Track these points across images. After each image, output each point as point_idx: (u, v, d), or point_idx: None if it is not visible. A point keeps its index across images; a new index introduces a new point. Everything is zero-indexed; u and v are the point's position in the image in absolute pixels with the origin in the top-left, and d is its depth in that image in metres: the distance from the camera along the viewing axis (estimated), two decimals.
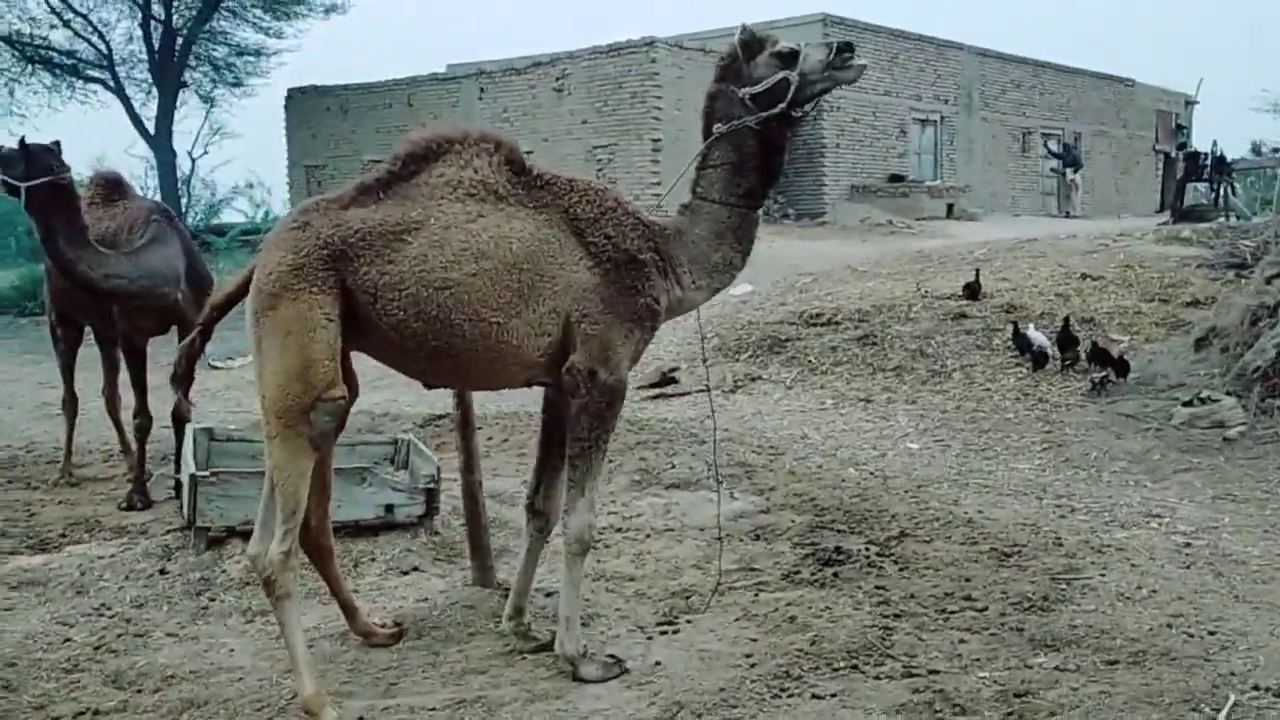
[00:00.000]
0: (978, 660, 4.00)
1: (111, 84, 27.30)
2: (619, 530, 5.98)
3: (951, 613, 4.49)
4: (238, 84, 28.95)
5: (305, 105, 26.89)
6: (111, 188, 7.29)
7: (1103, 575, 4.95)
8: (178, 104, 26.85)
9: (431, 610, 4.70)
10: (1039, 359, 9.74)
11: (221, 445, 6.35)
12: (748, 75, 4.01)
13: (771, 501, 6.46)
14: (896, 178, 25.41)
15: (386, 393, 11.19)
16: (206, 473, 5.56)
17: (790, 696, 3.75)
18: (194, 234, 25.66)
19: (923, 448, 8.00)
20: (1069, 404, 8.98)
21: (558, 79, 21.21)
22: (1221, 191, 21.26)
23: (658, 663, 4.11)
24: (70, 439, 7.69)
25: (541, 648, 4.25)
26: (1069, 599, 4.63)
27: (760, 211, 4.16)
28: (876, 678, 3.88)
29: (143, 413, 6.80)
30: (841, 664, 3.99)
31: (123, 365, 7.53)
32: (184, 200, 28.22)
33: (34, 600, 5.04)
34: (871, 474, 7.17)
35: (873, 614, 4.48)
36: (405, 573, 5.37)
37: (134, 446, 7.10)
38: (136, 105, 27.05)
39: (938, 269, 14.54)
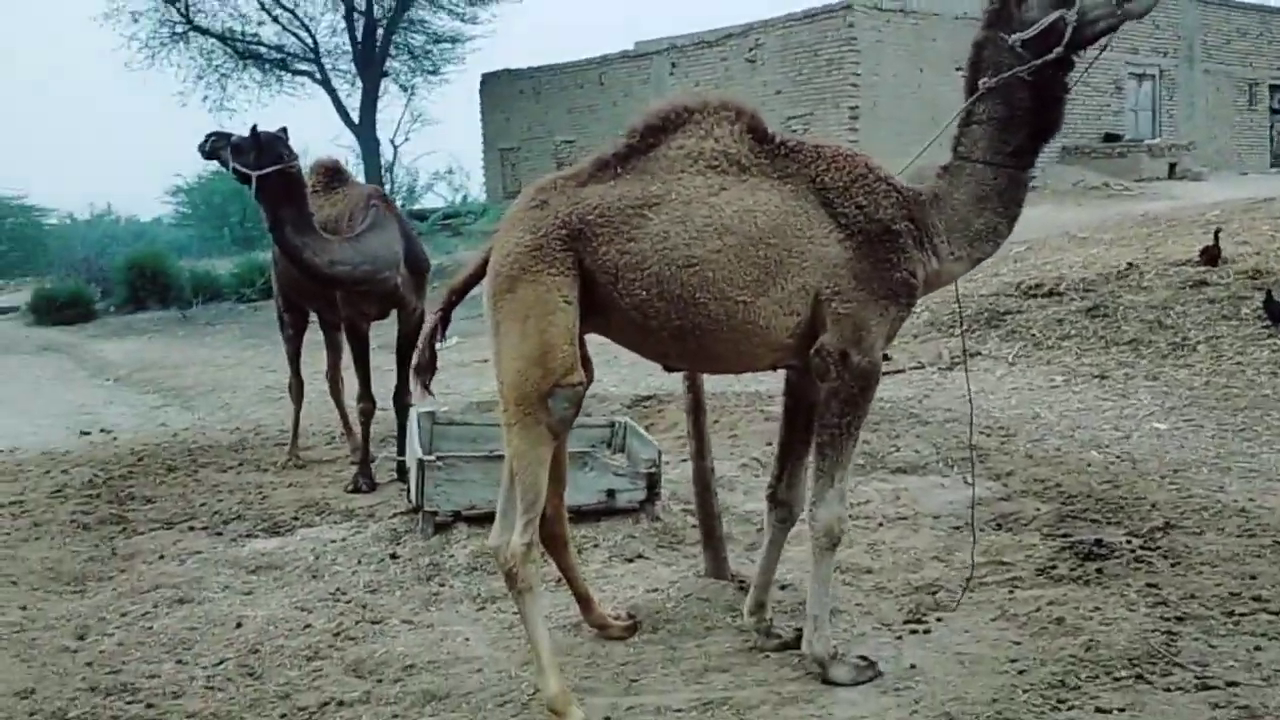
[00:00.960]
0: None
1: (318, 76, 28.44)
2: (849, 518, 5.67)
3: (1242, 615, 4.02)
4: (435, 71, 29.73)
5: (498, 89, 27.34)
6: (331, 175, 7.41)
7: None
8: (380, 93, 27.76)
9: (665, 602, 4.53)
10: None
11: (443, 429, 6.37)
12: (1018, 18, 3.60)
13: (1010, 488, 6.05)
14: (1112, 137, 23.96)
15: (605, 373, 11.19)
16: (432, 457, 5.55)
17: (1071, 709, 3.40)
18: None
19: (1171, 428, 7.37)
20: None
21: (750, 49, 20.83)
22: None
23: (912, 666, 3.82)
24: (297, 423, 7.90)
25: (784, 646, 4.02)
26: None
27: (1031, 172, 3.77)
28: (1167, 689, 3.49)
29: (366, 396, 6.89)
30: (1124, 673, 3.60)
31: (345, 350, 7.73)
32: (387, 187, 29.16)
33: (272, 584, 5.13)
34: (1118, 457, 6.63)
35: (1150, 616, 4.06)
36: (630, 560, 5.24)
37: (357, 430, 7.23)
38: (342, 96, 28.11)
39: (1166, 233, 13.57)
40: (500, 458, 5.69)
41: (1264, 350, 8.91)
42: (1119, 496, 5.68)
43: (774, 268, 3.55)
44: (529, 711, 3.65)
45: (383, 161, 28.60)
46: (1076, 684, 3.56)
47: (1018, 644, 3.93)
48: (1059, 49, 3.53)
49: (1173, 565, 4.61)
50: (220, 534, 6.00)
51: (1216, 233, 11.61)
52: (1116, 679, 3.58)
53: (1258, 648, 3.75)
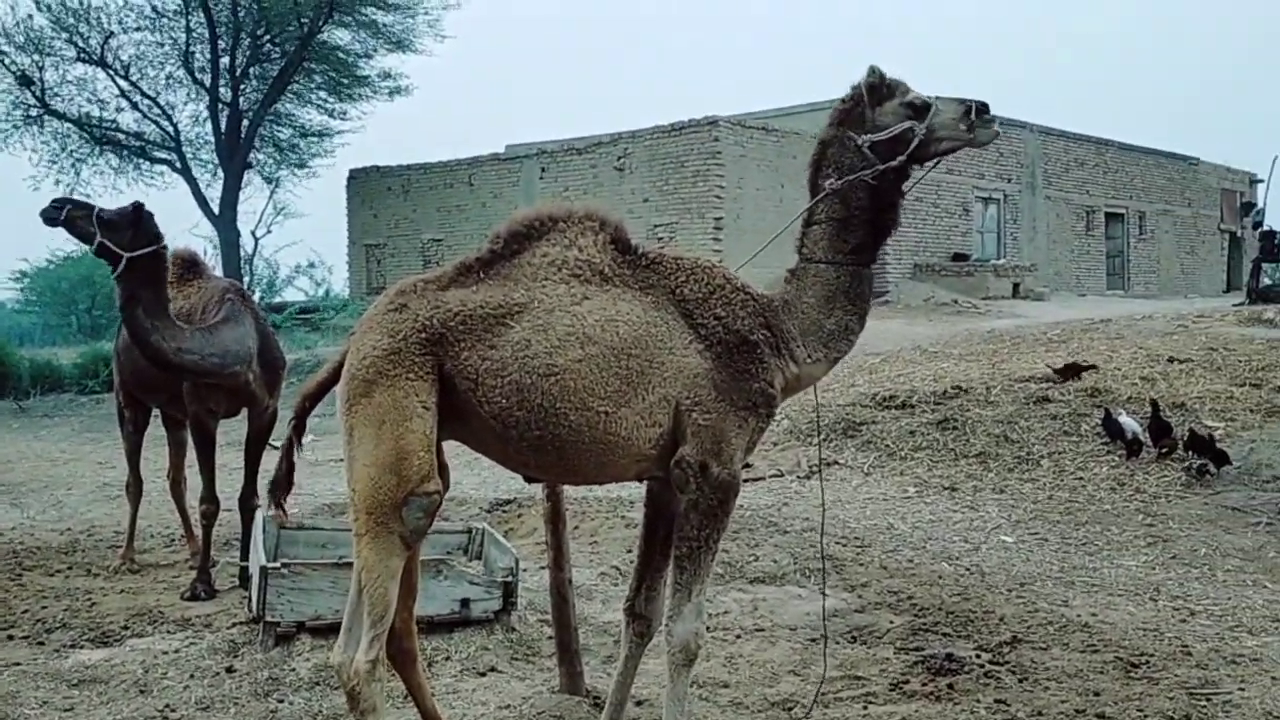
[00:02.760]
0: None
1: (178, 165, 27.83)
2: (707, 630, 5.62)
3: None
4: (301, 165, 29.45)
5: (367, 185, 27.20)
6: (188, 266, 7.17)
7: (1242, 690, 4.52)
8: (242, 184, 27.29)
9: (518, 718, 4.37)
10: (1133, 447, 9.30)
11: (291, 534, 6.11)
12: (870, 121, 3.74)
13: (865, 599, 6.09)
14: (960, 256, 25.07)
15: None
16: (277, 564, 5.31)
17: None
18: None
19: (1018, 541, 7.58)
20: (1168, 495, 8.52)
21: (619, 158, 21.23)
22: None
23: None
24: (133, 524, 7.50)
25: None
26: (1214, 717, 4.20)
27: (872, 269, 3.87)
28: None
29: (210, 498, 6.58)
30: None
31: (189, 449, 7.42)
32: (246, 279, 28.53)
33: (95, 699, 4.79)
34: (968, 570, 6.77)
35: None
36: (482, 674, 5.06)
37: (198, 533, 6.91)
38: (202, 185, 27.53)
39: (1011, 350, 14.13)
40: (349, 565, 5.52)
41: (1103, 466, 9.29)
42: (968, 609, 5.77)
43: (636, 378, 3.53)
44: None
45: (243, 253, 28.03)
46: None
47: None
48: (903, 157, 3.68)
49: (1020, 681, 4.67)
50: (42, 644, 5.60)
51: (1079, 366, 11.96)
52: None
53: None
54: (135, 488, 7.56)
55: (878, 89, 3.75)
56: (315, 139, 28.68)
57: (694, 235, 20.21)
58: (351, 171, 27.80)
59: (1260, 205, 20.90)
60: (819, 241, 3.78)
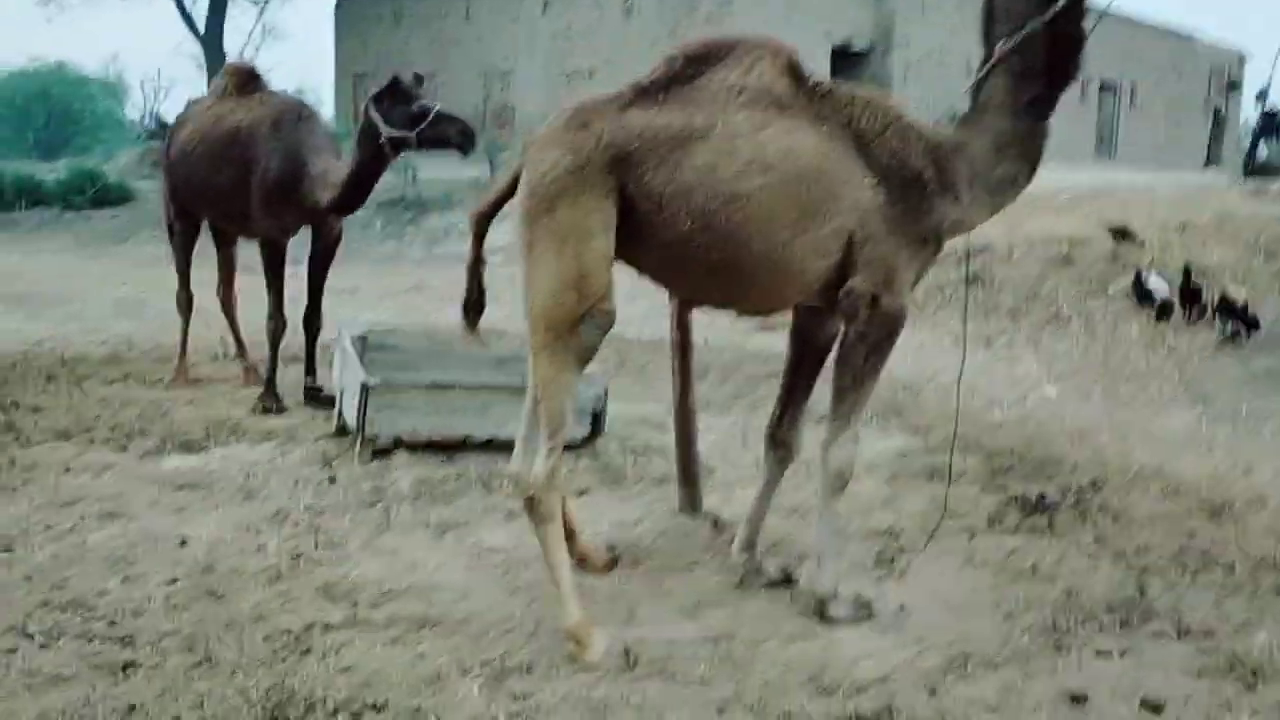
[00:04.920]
0: (1250, 623, 3.77)
1: None
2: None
3: (1196, 571, 4.25)
4: None
5: (356, 11, 26.26)
6: (248, 78, 6.97)
7: None
8: (228, 2, 26.25)
9: (641, 537, 4.47)
10: (1164, 309, 9.44)
11: (374, 354, 6.09)
12: None
13: (932, 442, 6.22)
14: None
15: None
16: (377, 381, 5.32)
17: (1073, 651, 3.53)
18: None
19: (1061, 394, 7.74)
20: (1201, 357, 8.71)
21: None
22: None
23: (901, 607, 3.89)
24: (185, 338, 7.42)
25: (772, 584, 4.03)
26: None
27: (1050, 121, 3.80)
28: (1155, 636, 3.66)
29: (278, 315, 6.53)
30: (1108, 620, 3.76)
31: (238, 265, 7.54)
32: None
33: (203, 503, 4.84)
34: (1021, 418, 6.92)
35: (1116, 568, 4.25)
36: (579, 493, 5.15)
37: (250, 350, 7.12)
38: (187, 3, 26.42)
39: (1026, 212, 14.16)
40: (447, 386, 5.56)
41: (1134, 327, 9.44)
42: (1037, 454, 5.93)
43: (812, 208, 3.51)
44: (536, 639, 3.55)
45: None
46: (1068, 628, 3.69)
47: (996, 589, 4.05)
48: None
49: (1114, 521, 4.83)
50: (125, 449, 5.61)
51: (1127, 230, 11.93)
52: (1103, 625, 3.73)
53: (1220, 599, 3.97)
54: (186, 302, 7.47)
55: None
56: None
57: None
58: None
59: (1267, 83, 20.78)
60: (996, 91, 3.71)
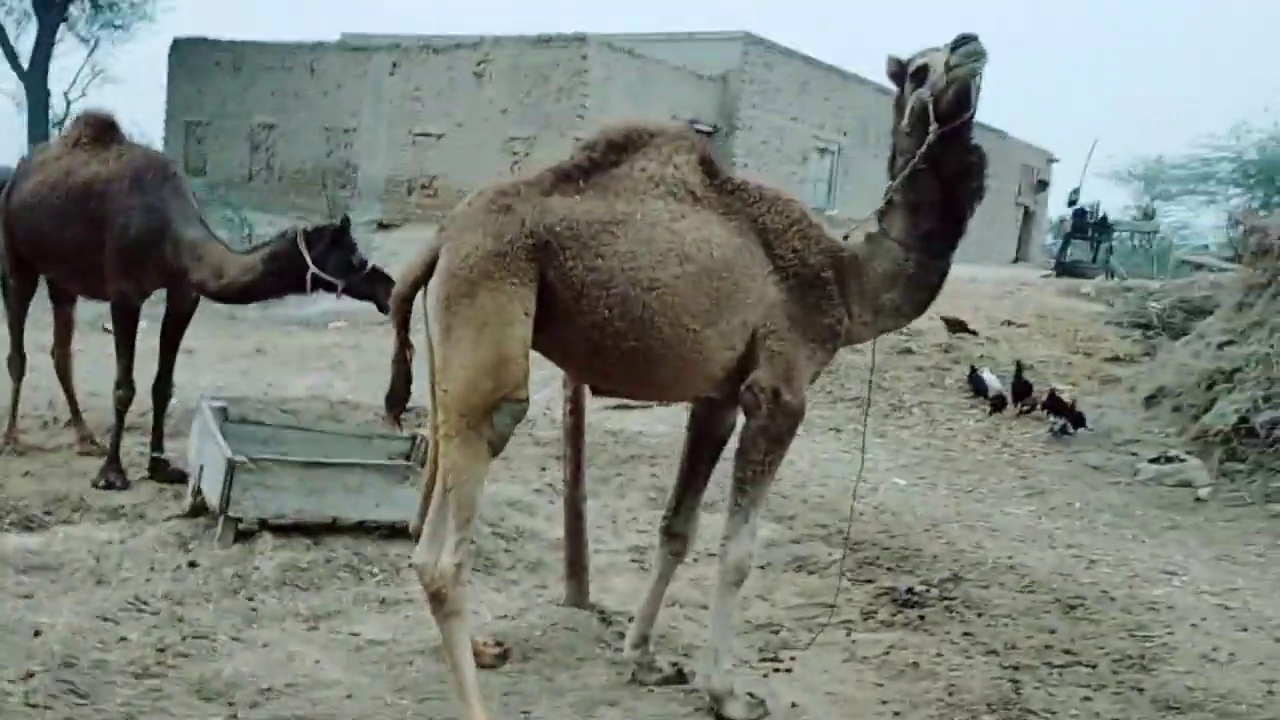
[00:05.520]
0: None
1: None
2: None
3: (1061, 667, 4.43)
4: (119, 26, 27.25)
5: (192, 57, 25.47)
6: (103, 128, 6.62)
7: (1171, 634, 4.98)
8: (56, 39, 25.05)
9: (529, 630, 4.39)
10: (996, 403, 9.93)
11: (235, 427, 5.83)
12: (904, 106, 3.75)
13: (797, 531, 6.35)
14: None
15: (313, 376, 10.64)
16: (244, 458, 5.09)
17: None
18: None
19: (910, 484, 8.02)
20: (1033, 450, 9.17)
21: (480, 62, 20.66)
22: (1101, 250, 22.30)
23: (793, 705, 3.93)
24: (17, 402, 6.95)
25: (665, 680, 4.01)
26: (1161, 658, 4.63)
27: (945, 260, 3.85)
28: None
29: (127, 383, 6.18)
30: (993, 718, 3.88)
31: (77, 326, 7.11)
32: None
33: (52, 588, 4.53)
34: (877, 508, 7.12)
35: (989, 664, 4.40)
36: None
37: (80, 414, 6.85)
38: (10, 36, 25.11)
39: None
40: (317, 464, 5.37)
41: (970, 419, 9.91)
42: (898, 546, 6.12)
43: (722, 300, 3.58)
44: None
45: (52, 114, 25.79)
46: None
47: (881, 686, 4.14)
48: (934, 126, 3.63)
49: (979, 616, 5.01)
50: None
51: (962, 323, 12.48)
52: None
53: (1088, 698, 4.15)
54: (19, 363, 7.00)
55: (897, 76, 3.76)
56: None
57: (553, 152, 19.86)
58: (176, 40, 25.95)
59: (1078, 184, 22.27)
60: (895, 221, 3.80)
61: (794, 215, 3.78)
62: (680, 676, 4.03)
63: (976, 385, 10.27)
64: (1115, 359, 12.52)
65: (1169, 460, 8.52)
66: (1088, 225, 21.90)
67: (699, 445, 4.06)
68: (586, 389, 4.43)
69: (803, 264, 3.72)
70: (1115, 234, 23.06)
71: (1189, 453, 8.63)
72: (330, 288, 5.80)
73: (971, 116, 3.69)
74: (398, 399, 3.67)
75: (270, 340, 13.23)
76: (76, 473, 6.28)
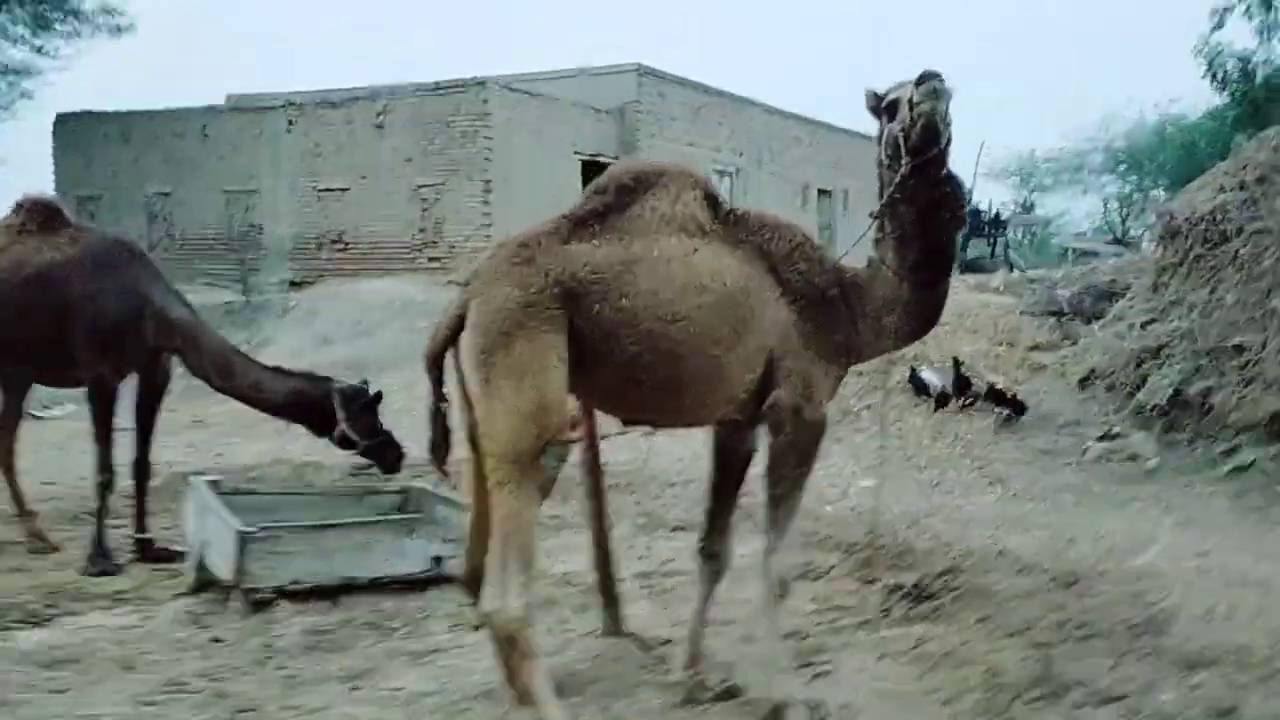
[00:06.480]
0: (1152, 683, 4.17)
1: None
2: (666, 575, 5.86)
3: (1081, 640, 4.66)
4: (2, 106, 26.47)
5: (78, 131, 24.84)
6: (49, 214, 6.49)
7: (1168, 598, 5.25)
8: None
9: (573, 664, 4.44)
10: (940, 399, 10.25)
11: (230, 499, 5.78)
12: (882, 139, 3.89)
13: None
14: None
15: (262, 442, 10.50)
16: (253, 529, 5.07)
17: None
18: None
19: (877, 484, 8.23)
20: (984, 441, 9.48)
21: (379, 114, 20.58)
22: (998, 245, 23.14)
23: (844, 705, 4.06)
24: None
25: (719, 697, 4.11)
26: (1168, 621, 4.89)
27: (939, 289, 3.98)
28: (1079, 706, 3.99)
29: (107, 467, 6.07)
30: (1037, 696, 4.06)
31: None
32: None
33: (85, 680, 4.44)
34: (854, 510, 7.34)
35: (1015, 645, 4.59)
36: (477, 628, 5.04)
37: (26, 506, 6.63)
38: None
39: None
40: (328, 527, 5.38)
41: (918, 417, 10.19)
42: (888, 545, 6.31)
43: (741, 326, 3.73)
44: None
45: None
46: (1004, 709, 3.97)
47: (923, 678, 4.29)
48: (906, 159, 3.76)
49: (988, 602, 5.21)
50: None
51: None
52: (1033, 702, 4.03)
53: (1114, 665, 4.37)
54: None
55: (875, 111, 3.89)
56: (16, 77, 25.87)
57: (462, 198, 19.96)
58: (60, 115, 25.26)
59: (970, 185, 23.03)
60: (887, 251, 3.94)
61: (796, 240, 3.95)
62: (732, 692, 4.13)
63: (917, 384, 10.57)
64: (1036, 347, 12.94)
65: (1114, 437, 8.91)
66: (983, 224, 22.68)
67: (725, 466, 4.20)
68: (596, 421, 4.56)
69: (809, 284, 3.88)
70: (1007, 230, 23.89)
71: (1131, 428, 9.04)
72: (350, 445, 6.15)
73: (941, 151, 3.78)
74: (440, 449, 3.75)
75: (203, 410, 12.97)
76: (61, 563, 6.14)
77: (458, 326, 3.60)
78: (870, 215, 4.03)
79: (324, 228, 21.40)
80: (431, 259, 20.32)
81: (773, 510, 3.91)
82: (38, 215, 6.51)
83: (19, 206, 6.79)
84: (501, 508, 3.50)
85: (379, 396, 6.20)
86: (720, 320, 3.68)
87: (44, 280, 6.09)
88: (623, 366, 3.61)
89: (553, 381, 3.49)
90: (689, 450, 9.42)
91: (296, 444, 10.03)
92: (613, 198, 3.79)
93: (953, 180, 3.90)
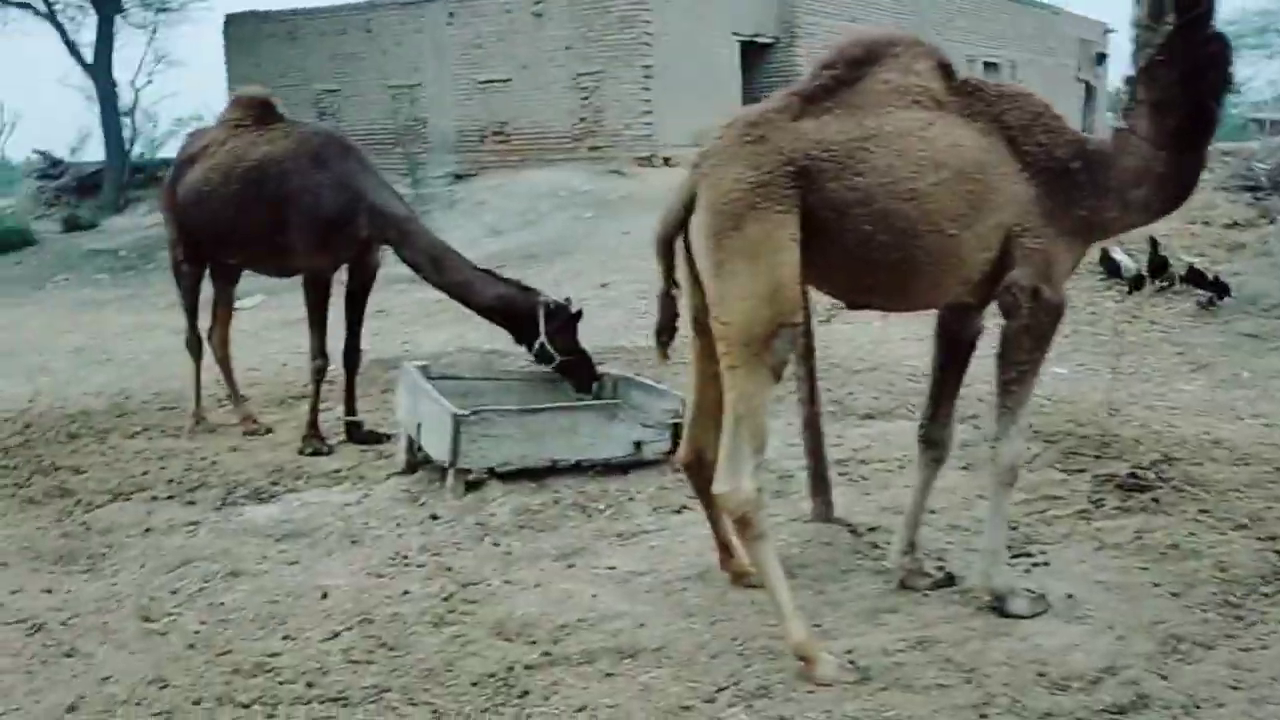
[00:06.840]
0: None
1: (41, 9, 25.49)
2: (863, 462, 5.81)
3: None
4: (173, 9, 27.35)
5: (246, 32, 25.48)
6: (264, 109, 6.72)
7: None
8: (115, 29, 25.20)
9: (789, 549, 4.46)
10: (1136, 282, 9.80)
11: (438, 384, 5.97)
12: None
13: (982, 430, 6.35)
14: None
15: (444, 332, 10.76)
16: (468, 412, 5.22)
17: (1253, 624, 3.66)
18: (139, 168, 24.03)
19: (1070, 372, 7.98)
20: (1183, 325, 9.07)
21: (537, 2, 20.48)
22: None
23: (1069, 595, 3.97)
24: (199, 382, 7.14)
25: (937, 584, 4.08)
26: None
27: (1198, 157, 3.73)
28: None
29: (322, 353, 6.35)
30: (1270, 589, 3.91)
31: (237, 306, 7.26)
32: (128, 134, 26.65)
33: (315, 552, 4.71)
34: (1049, 399, 7.11)
35: (1245, 538, 4.41)
36: (677, 511, 5.12)
37: (239, 396, 7.06)
38: (70, 32, 25.33)
39: None
40: (536, 410, 5.49)
41: (1110, 301, 9.79)
42: (1090, 434, 6.10)
43: (977, 202, 3.58)
44: (750, 661, 3.53)
45: (122, 105, 26.03)
46: (1239, 602, 3.83)
47: (1147, 569, 4.16)
48: (1172, 15, 3.52)
49: (1208, 494, 5.01)
50: (193, 503, 5.43)
51: None
52: (1268, 596, 3.88)
53: None
54: (196, 345, 7.20)
55: None
56: None
57: (622, 85, 19.80)
58: (228, 16, 25.97)
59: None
60: (1140, 119, 3.68)
61: (1036, 109, 3.74)
62: (950, 579, 4.10)
63: (1110, 266, 10.13)
64: (1234, 225, 12.26)
65: None
66: None
67: (949, 352, 4.09)
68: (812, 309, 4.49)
69: (1050, 158, 3.69)
70: None
71: None
72: (548, 360, 6.05)
73: (1213, 5, 3.56)
74: (666, 331, 3.76)
75: (385, 300, 13.41)
76: (278, 445, 6.49)
77: (687, 210, 3.56)
78: (1124, 81, 3.79)
79: (486, 120, 21.56)
80: (592, 148, 20.29)
81: (1003, 397, 3.80)
82: (253, 110, 6.75)
83: (234, 102, 7.03)
84: (734, 390, 3.49)
85: (579, 314, 6.17)
86: (956, 197, 3.53)
87: (261, 173, 6.31)
88: (855, 247, 3.52)
89: (786, 263, 3.42)
90: (868, 337, 9.31)
91: (478, 332, 10.30)
92: (842, 71, 3.65)
93: (1221, 39, 3.63)
